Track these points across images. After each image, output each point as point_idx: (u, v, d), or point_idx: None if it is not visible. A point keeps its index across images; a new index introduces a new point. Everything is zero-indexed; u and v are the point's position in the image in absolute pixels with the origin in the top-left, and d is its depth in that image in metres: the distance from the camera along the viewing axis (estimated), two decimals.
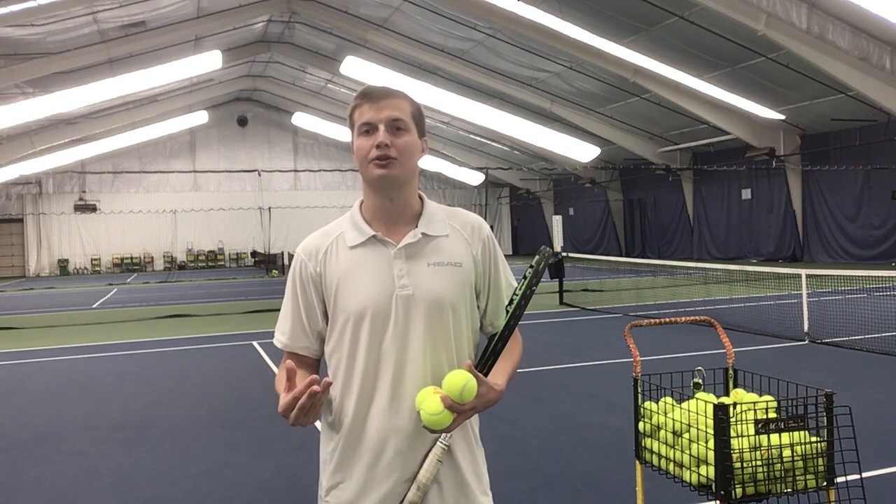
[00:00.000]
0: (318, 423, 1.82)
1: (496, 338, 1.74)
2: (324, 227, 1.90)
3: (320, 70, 27.82)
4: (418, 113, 1.83)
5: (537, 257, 1.76)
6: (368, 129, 1.76)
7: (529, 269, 1.74)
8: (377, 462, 1.75)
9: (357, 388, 1.77)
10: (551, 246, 15.47)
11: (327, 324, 1.84)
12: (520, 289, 1.74)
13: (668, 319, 3.26)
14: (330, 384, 1.71)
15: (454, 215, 1.89)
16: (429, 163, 35.66)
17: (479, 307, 1.88)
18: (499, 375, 1.74)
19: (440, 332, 1.77)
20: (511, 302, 1.75)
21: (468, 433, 1.83)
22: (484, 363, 1.72)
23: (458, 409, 1.63)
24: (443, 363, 1.76)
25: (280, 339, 1.89)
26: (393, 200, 1.80)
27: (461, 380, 1.63)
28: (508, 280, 1.91)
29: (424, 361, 1.75)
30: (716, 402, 2.55)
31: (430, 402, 1.63)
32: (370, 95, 1.78)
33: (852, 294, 12.68)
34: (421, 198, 1.88)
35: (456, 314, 1.79)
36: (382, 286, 1.76)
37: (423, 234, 1.80)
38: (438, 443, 1.73)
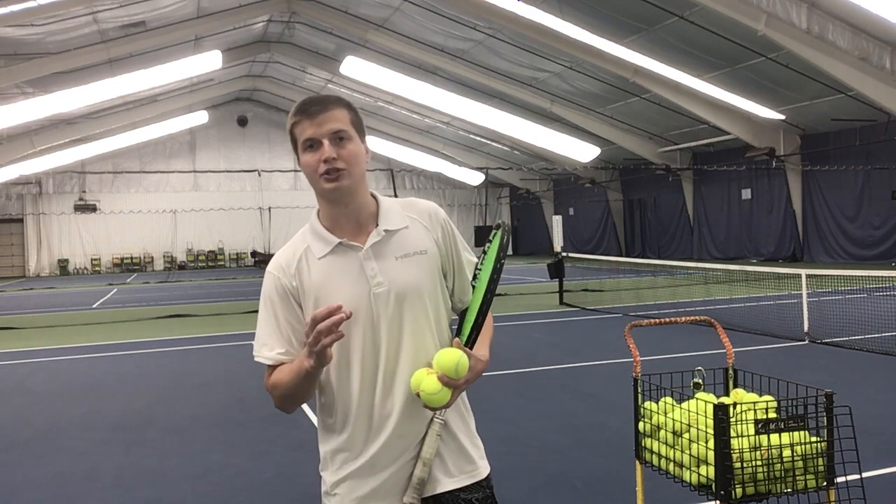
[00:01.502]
0: (315, 421, 1.83)
1: (476, 312, 1.83)
2: (288, 243, 1.93)
3: (320, 70, 27.80)
4: (357, 117, 1.87)
5: (495, 231, 1.87)
6: (312, 143, 1.80)
7: (488, 245, 1.86)
8: (381, 450, 1.82)
9: (355, 387, 1.82)
10: (552, 245, 15.42)
11: None
12: (481, 263, 1.87)
13: (668, 319, 3.26)
14: (348, 315, 1.64)
15: (409, 206, 1.95)
16: (429, 163, 35.64)
17: (447, 287, 1.96)
18: (482, 347, 1.86)
19: (422, 318, 1.85)
20: (475, 277, 1.90)
21: (458, 404, 1.92)
22: (468, 338, 1.82)
23: (455, 385, 1.73)
24: (430, 346, 1.85)
25: (268, 354, 1.84)
26: (348, 206, 1.85)
27: (454, 357, 1.73)
28: (469, 258, 2.01)
29: (414, 348, 1.83)
30: (716, 402, 2.54)
31: (427, 382, 1.71)
32: (307, 111, 1.80)
33: (852, 294, 12.66)
34: (374, 196, 1.93)
35: (432, 298, 1.88)
36: (358, 288, 1.81)
37: (385, 230, 1.86)
38: (435, 419, 1.82)
